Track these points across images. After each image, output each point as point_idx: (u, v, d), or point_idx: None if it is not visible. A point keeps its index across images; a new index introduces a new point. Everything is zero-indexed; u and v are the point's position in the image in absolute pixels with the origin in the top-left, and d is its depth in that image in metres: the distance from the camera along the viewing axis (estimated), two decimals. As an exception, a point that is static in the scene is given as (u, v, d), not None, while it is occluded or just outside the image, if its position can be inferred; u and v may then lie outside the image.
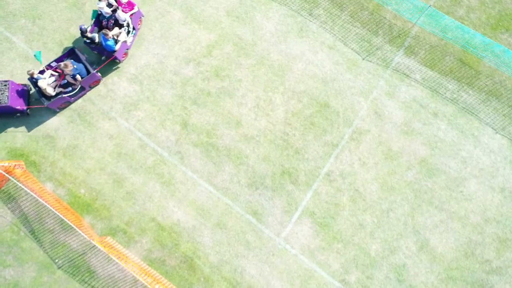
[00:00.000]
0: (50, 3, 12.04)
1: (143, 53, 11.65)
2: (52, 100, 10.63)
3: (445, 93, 11.25)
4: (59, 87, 10.77)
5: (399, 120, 11.09)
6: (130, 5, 11.22)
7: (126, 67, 11.55)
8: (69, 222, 9.45)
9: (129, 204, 10.59)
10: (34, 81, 10.58)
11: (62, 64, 10.56)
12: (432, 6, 11.06)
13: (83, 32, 10.81)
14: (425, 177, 10.68)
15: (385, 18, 11.80)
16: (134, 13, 11.27)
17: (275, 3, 11.94)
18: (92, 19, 11.16)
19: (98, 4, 10.77)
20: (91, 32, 11.08)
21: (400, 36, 11.68)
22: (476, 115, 11.13)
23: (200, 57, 11.60)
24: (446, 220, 10.37)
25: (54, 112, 11.22)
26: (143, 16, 11.72)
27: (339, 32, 11.71)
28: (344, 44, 11.64)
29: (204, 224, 10.42)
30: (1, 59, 11.68)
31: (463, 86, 11.27)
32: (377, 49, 11.59)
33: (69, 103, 11.22)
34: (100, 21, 11.06)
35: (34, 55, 10.65)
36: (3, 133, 11.15)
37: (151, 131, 11.16)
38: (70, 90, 10.86)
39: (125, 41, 11.02)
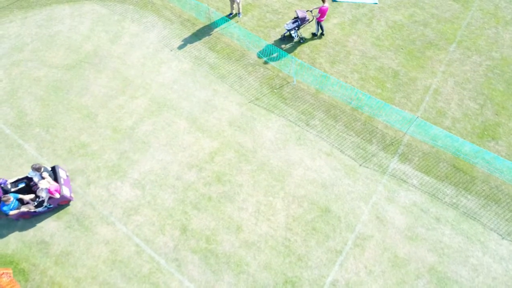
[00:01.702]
0: (65, 114, 12.98)
1: (148, 159, 12.10)
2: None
3: (444, 198, 11.35)
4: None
5: (401, 225, 10.94)
6: (57, 191, 10.80)
7: (130, 173, 11.86)
8: None
9: (119, 319, 9.70)
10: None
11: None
12: (419, 118, 11.94)
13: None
14: (437, 287, 10.05)
15: (377, 128, 12.62)
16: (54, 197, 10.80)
17: (274, 115, 12.90)
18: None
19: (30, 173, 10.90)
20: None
21: (393, 144, 12.33)
22: (478, 220, 11.04)
23: (203, 163, 12.02)
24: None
25: (53, 217, 11.10)
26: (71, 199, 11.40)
27: (335, 140, 12.39)
28: (340, 151, 12.20)
29: None
30: (10, 164, 12.06)
31: (460, 191, 11.44)
32: (372, 156, 12.10)
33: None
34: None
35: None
36: (-4, 239, 10.86)
37: (149, 237, 10.87)
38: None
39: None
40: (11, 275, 10.22)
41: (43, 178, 10.76)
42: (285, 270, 10.39)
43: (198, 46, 14.49)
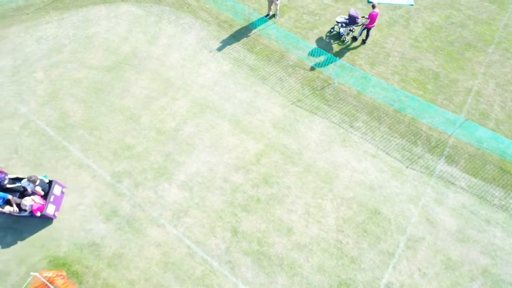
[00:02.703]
0: (107, 116, 12.96)
1: (194, 161, 12.09)
2: None
3: (493, 200, 11.36)
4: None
5: (452, 228, 10.95)
6: (39, 209, 10.63)
7: (177, 175, 11.85)
8: None
9: (177, 321, 9.71)
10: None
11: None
12: (468, 120, 11.95)
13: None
14: (492, 289, 10.08)
15: (421, 130, 12.63)
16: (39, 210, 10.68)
17: (317, 117, 12.90)
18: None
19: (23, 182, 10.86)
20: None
21: (438, 146, 12.34)
22: (528, 222, 11.06)
23: (249, 165, 12.01)
24: None
25: (103, 219, 11.10)
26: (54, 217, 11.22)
27: (380, 142, 12.39)
28: (386, 153, 12.20)
29: None
30: (56, 166, 12.05)
31: (509, 193, 11.45)
32: (418, 158, 12.11)
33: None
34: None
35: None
36: (47, 240, 10.83)
37: (201, 239, 10.87)
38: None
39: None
40: (65, 277, 10.23)
41: (34, 191, 10.69)
42: (338, 272, 10.39)
43: (236, 47, 14.48)
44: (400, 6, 15.56)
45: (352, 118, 12.88)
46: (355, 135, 12.56)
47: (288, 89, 13.48)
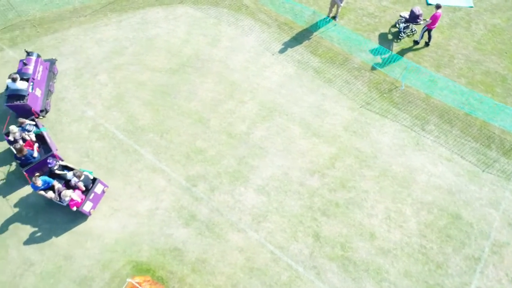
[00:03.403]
0: (176, 119, 12.87)
1: (268, 165, 12.00)
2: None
3: None
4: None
5: (536, 232, 10.88)
6: (76, 205, 10.91)
7: (252, 179, 11.76)
8: None
9: (270, 328, 9.63)
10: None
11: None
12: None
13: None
14: None
15: (494, 133, 12.54)
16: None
17: (388, 120, 12.81)
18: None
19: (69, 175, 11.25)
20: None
21: (513, 149, 12.27)
22: None
23: (324, 169, 11.92)
24: None
25: (182, 224, 11.02)
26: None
27: (454, 145, 12.30)
28: (461, 157, 12.11)
29: None
30: (129, 169, 11.96)
31: None
32: (494, 161, 12.02)
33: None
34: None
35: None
36: (128, 245, 10.76)
37: (283, 244, 10.78)
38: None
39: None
40: (152, 282, 10.16)
41: (76, 186, 10.95)
42: (425, 277, 10.31)
43: (299, 50, 14.38)
44: (459, 8, 15.46)
45: (423, 121, 12.78)
46: (428, 138, 12.47)
47: (355, 92, 13.39)
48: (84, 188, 10.99)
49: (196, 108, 13.08)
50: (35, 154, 11.42)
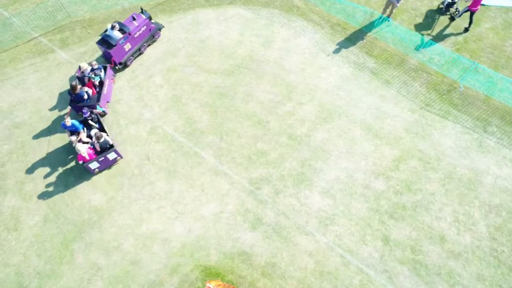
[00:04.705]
0: (235, 121, 12.83)
1: (331, 167, 11.94)
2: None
3: None
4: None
5: None
6: (83, 159, 11.75)
7: (316, 181, 11.72)
8: None
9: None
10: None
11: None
12: None
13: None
14: None
15: (558, 135, 12.39)
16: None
17: (449, 121, 12.68)
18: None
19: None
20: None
21: None
22: None
23: (388, 171, 11.84)
24: None
25: (249, 227, 11.01)
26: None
27: (518, 148, 12.18)
28: (526, 159, 11.99)
29: None
30: (191, 173, 11.96)
31: None
32: (561, 164, 11.88)
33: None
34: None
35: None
36: (195, 249, 10.77)
37: (352, 248, 10.74)
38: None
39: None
40: (224, 286, 10.16)
41: (94, 145, 11.76)
42: (499, 281, 10.22)
43: (354, 51, 14.26)
44: (512, 8, 15.26)
45: (485, 122, 12.64)
46: (491, 140, 12.33)
47: (414, 93, 13.27)
48: (99, 149, 11.67)
49: (254, 110, 13.04)
50: (85, 96, 12.56)
